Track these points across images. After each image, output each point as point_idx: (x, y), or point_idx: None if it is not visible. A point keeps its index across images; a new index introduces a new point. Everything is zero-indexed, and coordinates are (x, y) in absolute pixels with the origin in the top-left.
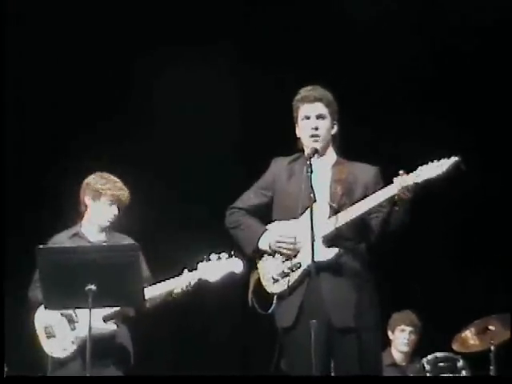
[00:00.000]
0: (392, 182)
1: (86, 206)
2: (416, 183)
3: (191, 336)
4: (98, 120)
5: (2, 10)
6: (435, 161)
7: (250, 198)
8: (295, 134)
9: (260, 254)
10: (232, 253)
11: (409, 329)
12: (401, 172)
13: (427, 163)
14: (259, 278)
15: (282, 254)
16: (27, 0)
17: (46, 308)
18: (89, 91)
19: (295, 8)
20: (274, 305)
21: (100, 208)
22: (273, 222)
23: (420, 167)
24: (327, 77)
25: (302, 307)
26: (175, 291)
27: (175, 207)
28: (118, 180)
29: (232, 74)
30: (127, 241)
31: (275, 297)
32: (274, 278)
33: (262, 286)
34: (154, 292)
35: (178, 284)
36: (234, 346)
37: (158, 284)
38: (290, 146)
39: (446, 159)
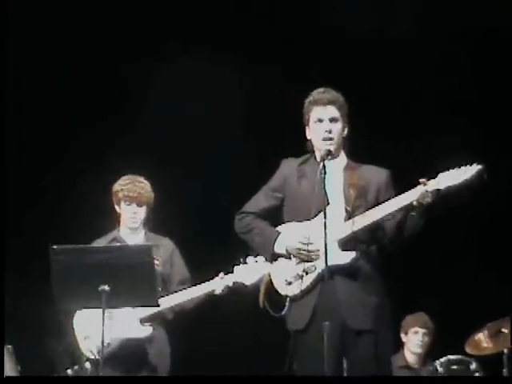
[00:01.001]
0: (406, 187)
1: (117, 212)
2: (437, 190)
3: (220, 340)
4: (100, 119)
5: (2, 9)
6: (456, 168)
7: (260, 200)
8: (305, 136)
9: (276, 257)
10: None
11: (422, 331)
12: (422, 180)
13: (448, 170)
14: (271, 280)
15: (301, 259)
16: (27, 0)
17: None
18: (91, 91)
19: (299, 7)
20: (286, 307)
21: (123, 210)
22: (283, 223)
23: (441, 174)
24: (336, 77)
25: (316, 310)
26: (215, 293)
27: (213, 210)
28: (138, 179)
29: (235, 72)
30: (165, 242)
31: (288, 299)
32: (287, 281)
33: (273, 288)
34: (189, 294)
35: (215, 286)
36: (253, 349)
37: (195, 286)
38: (299, 145)
39: (468, 167)
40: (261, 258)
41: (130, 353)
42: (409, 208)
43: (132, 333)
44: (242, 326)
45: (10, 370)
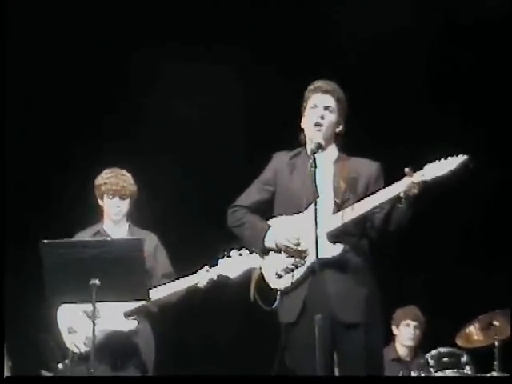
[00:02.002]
0: (395, 180)
1: (100, 205)
2: (424, 181)
3: (204, 332)
4: (102, 118)
5: (1, 9)
6: (443, 159)
7: (252, 194)
8: (299, 125)
9: (266, 251)
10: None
11: (413, 324)
12: (407, 170)
13: (434, 161)
14: (262, 274)
15: (289, 253)
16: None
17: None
18: (92, 91)
19: (301, 7)
20: (277, 300)
21: (106, 203)
22: (274, 217)
23: (428, 165)
24: (331, 73)
25: (306, 303)
26: (198, 286)
27: (197, 204)
28: (120, 172)
29: (235, 72)
30: (149, 236)
31: (279, 292)
32: (277, 274)
33: (264, 282)
34: (174, 288)
35: (199, 279)
36: (243, 342)
37: (179, 280)
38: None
39: (454, 157)
40: (245, 251)
41: (115, 346)
42: (396, 200)
43: (117, 326)
44: (230, 320)
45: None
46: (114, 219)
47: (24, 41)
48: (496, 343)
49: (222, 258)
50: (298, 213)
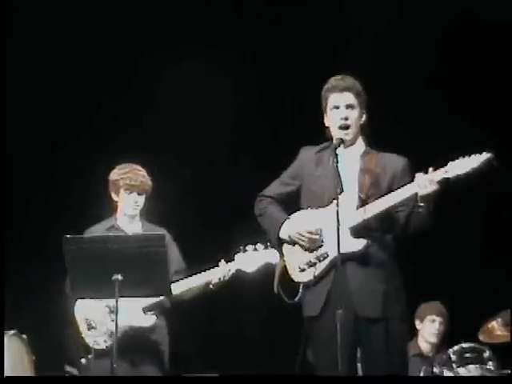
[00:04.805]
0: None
1: (114, 200)
2: (446, 178)
3: (224, 328)
4: (101, 115)
5: (1, 9)
6: (466, 156)
7: (278, 186)
8: (323, 123)
9: (281, 243)
10: (268, 244)
11: (439, 319)
12: (430, 169)
13: (458, 158)
14: (285, 266)
15: (301, 245)
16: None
17: (73, 297)
18: (90, 88)
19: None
20: (299, 294)
21: (122, 199)
22: (300, 210)
23: (451, 162)
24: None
25: (329, 297)
26: (213, 282)
27: (212, 199)
28: (136, 167)
29: (232, 72)
30: (161, 232)
31: (301, 286)
32: (300, 267)
33: (287, 275)
34: (191, 283)
35: (216, 275)
36: (266, 337)
37: (195, 275)
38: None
39: (477, 155)
40: (260, 246)
41: (135, 342)
42: (415, 199)
43: (137, 322)
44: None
45: (23, 360)
46: (131, 214)
47: (24, 41)
48: None
49: (238, 253)
50: (322, 207)
